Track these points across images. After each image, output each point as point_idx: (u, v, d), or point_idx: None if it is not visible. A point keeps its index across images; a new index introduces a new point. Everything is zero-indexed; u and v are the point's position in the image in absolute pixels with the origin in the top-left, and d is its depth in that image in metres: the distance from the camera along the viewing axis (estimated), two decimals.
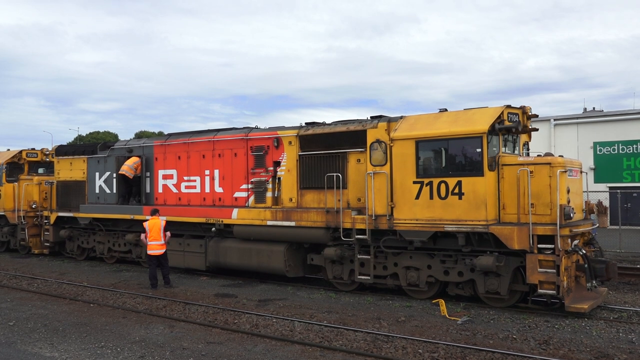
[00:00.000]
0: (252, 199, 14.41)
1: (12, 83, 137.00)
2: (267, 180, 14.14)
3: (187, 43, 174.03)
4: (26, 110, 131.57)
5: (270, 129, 14.55)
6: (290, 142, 13.73)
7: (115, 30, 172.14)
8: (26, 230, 20.68)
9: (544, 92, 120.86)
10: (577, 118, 35.51)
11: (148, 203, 16.67)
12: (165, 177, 16.48)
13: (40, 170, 22.57)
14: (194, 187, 15.72)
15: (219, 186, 15.14)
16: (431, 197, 11.22)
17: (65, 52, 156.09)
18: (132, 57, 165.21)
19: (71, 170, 19.18)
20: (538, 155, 11.30)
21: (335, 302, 12.08)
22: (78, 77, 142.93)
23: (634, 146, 32.28)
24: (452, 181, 11.02)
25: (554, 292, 10.17)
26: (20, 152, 22.04)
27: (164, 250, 14.22)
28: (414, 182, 11.43)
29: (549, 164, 10.57)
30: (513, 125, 11.18)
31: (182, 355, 8.43)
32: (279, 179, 13.96)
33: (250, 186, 14.46)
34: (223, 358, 8.25)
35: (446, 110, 11.96)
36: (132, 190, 17.31)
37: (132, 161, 16.89)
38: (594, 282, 10.59)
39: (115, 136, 75.28)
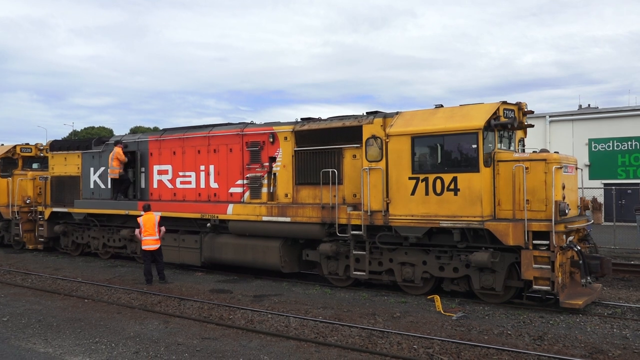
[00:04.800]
0: (247, 194, 14.38)
1: (4, 77, 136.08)
2: (263, 176, 14.11)
3: (181, 37, 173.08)
4: (19, 104, 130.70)
5: (266, 124, 14.52)
6: (285, 138, 13.70)
7: (107, 23, 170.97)
8: (20, 225, 20.59)
9: (541, 88, 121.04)
10: (572, 115, 35.64)
11: (143, 198, 16.62)
12: (160, 172, 16.43)
13: (35, 166, 22.46)
14: (189, 182, 15.68)
15: (214, 182, 15.10)
16: (427, 193, 11.22)
17: (57, 45, 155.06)
18: (126, 51, 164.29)
19: (65, 165, 19.10)
20: (533, 152, 11.32)
21: (330, 298, 12.08)
22: (70, 71, 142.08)
23: (629, 143, 32.39)
24: (447, 177, 11.02)
25: (549, 288, 10.20)
26: (14, 147, 21.93)
27: (158, 246, 14.19)
28: (410, 178, 11.42)
29: (545, 160, 10.59)
30: (509, 122, 11.19)
31: (177, 350, 8.41)
32: (275, 174, 13.94)
33: (245, 182, 14.43)
34: (218, 353, 8.24)
35: (442, 106, 11.95)
36: (122, 186, 17.15)
37: (110, 156, 16.83)
38: (589, 278, 10.62)
39: (110, 131, 74.95)
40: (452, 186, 10.96)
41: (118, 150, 16.70)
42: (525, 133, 12.79)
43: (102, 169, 17.75)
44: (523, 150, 12.60)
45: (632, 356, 7.97)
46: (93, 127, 78.32)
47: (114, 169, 16.71)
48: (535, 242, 10.30)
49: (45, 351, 8.53)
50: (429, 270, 11.72)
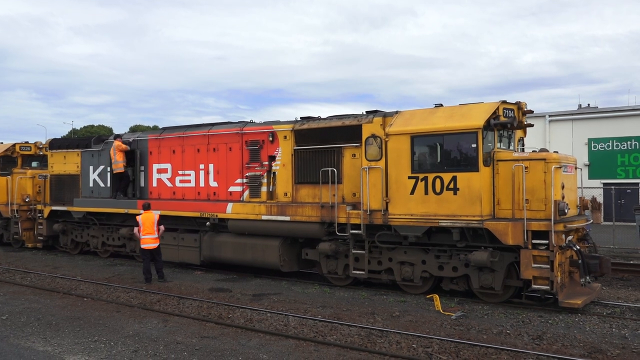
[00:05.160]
0: (246, 193, 14.37)
1: (3, 75, 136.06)
2: (262, 175, 14.10)
3: (180, 35, 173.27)
4: (18, 103, 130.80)
5: (266, 123, 14.51)
6: (285, 137, 13.69)
7: (107, 21, 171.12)
8: (19, 224, 20.56)
9: (541, 88, 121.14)
10: (572, 114, 35.65)
11: (142, 197, 16.60)
12: (159, 171, 16.41)
13: (34, 164, 22.45)
14: (189, 181, 15.67)
15: (214, 180, 15.09)
16: (426, 193, 11.21)
17: (57, 43, 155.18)
18: (125, 49, 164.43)
19: (65, 164, 19.08)
20: (533, 151, 11.32)
21: (329, 297, 12.08)
22: (70, 70, 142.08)
23: (628, 143, 32.39)
24: (447, 176, 11.01)
25: (548, 287, 10.20)
26: (14, 145, 21.92)
27: (157, 244, 14.18)
28: (409, 177, 11.42)
29: (544, 159, 10.58)
30: (508, 121, 11.18)
31: (176, 349, 8.41)
32: (274, 173, 13.93)
33: (245, 180, 14.42)
34: (217, 352, 8.24)
35: (442, 105, 11.95)
36: (121, 183, 17.09)
37: (111, 151, 16.75)
38: (588, 277, 10.63)
39: (110, 130, 74.96)
40: (451, 185, 10.96)
41: (118, 143, 16.64)
42: (525, 132, 12.79)
43: (102, 167, 17.73)
44: (522, 150, 12.60)
45: (630, 355, 7.97)
46: (92, 126, 78.33)
47: (118, 163, 16.62)
48: (534, 241, 10.30)
49: (44, 350, 8.53)
50: (428, 269, 11.72)
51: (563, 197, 10.79)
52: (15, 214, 20.59)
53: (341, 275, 12.97)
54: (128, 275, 15.22)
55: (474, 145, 10.79)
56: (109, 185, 17.44)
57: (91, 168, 18.12)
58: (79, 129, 78.02)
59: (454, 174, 10.94)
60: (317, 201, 12.95)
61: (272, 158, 13.95)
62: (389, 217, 11.67)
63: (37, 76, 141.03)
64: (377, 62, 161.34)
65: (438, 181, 11.10)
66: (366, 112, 12.80)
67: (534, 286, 10.37)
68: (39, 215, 19.88)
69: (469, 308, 10.90)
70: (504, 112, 11.33)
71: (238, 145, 14.57)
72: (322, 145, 13.01)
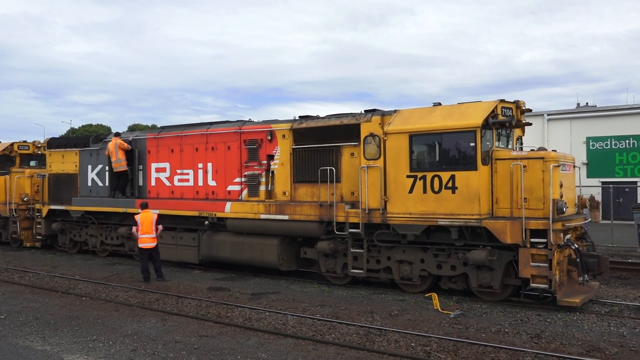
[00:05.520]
0: (245, 192, 14.37)
1: (1, 74, 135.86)
2: (261, 174, 14.10)
3: (178, 34, 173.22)
4: (16, 102, 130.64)
5: (264, 122, 14.50)
6: (284, 136, 13.69)
7: (105, 20, 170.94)
8: (18, 223, 20.55)
9: (540, 87, 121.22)
10: (570, 113, 35.68)
11: (141, 196, 16.58)
12: (158, 170, 16.40)
13: (32, 163, 22.42)
14: (187, 180, 15.66)
15: (212, 179, 15.09)
16: (424, 191, 11.21)
17: (55, 42, 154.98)
18: (123, 48, 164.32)
19: (63, 163, 19.06)
20: (531, 150, 11.32)
21: (328, 296, 12.08)
22: (68, 69, 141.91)
23: (627, 141, 32.44)
24: (445, 175, 11.02)
25: (546, 286, 10.21)
26: (12, 144, 21.88)
27: (155, 244, 14.17)
28: (408, 176, 11.42)
29: (542, 158, 10.59)
30: (507, 120, 11.19)
31: (175, 348, 8.41)
32: (273, 172, 13.93)
33: (243, 179, 14.42)
34: (215, 351, 8.24)
35: (440, 104, 11.96)
36: (119, 182, 17.04)
37: (111, 148, 16.63)
38: (586, 276, 10.63)
39: (108, 129, 74.82)
40: (450, 184, 10.96)
41: (120, 141, 16.57)
42: (523, 131, 12.80)
43: (100, 166, 17.71)
44: (521, 149, 12.60)
45: (629, 354, 7.99)
46: (91, 125, 78.19)
47: (121, 162, 16.53)
48: (532, 240, 10.31)
49: (42, 349, 8.52)
50: (427, 268, 11.73)
51: (561, 196, 10.80)
52: (14, 213, 20.58)
53: (340, 274, 12.97)
54: (127, 274, 15.21)
55: (472, 144, 10.79)
56: (107, 184, 17.43)
57: (89, 167, 18.10)
58: (77, 128, 77.91)
59: (453, 172, 10.95)
60: (315, 200, 12.95)
61: (271, 157, 13.95)
62: (388, 216, 11.68)
63: (35, 75, 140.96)
64: (375, 61, 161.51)
65: (436, 180, 11.10)
66: (364, 111, 12.80)
67: (532, 285, 10.39)
68: (38, 214, 19.86)
69: (467, 307, 10.91)
70: (502, 110, 11.34)
71: (236, 144, 14.56)
72: (321, 144, 13.00)
